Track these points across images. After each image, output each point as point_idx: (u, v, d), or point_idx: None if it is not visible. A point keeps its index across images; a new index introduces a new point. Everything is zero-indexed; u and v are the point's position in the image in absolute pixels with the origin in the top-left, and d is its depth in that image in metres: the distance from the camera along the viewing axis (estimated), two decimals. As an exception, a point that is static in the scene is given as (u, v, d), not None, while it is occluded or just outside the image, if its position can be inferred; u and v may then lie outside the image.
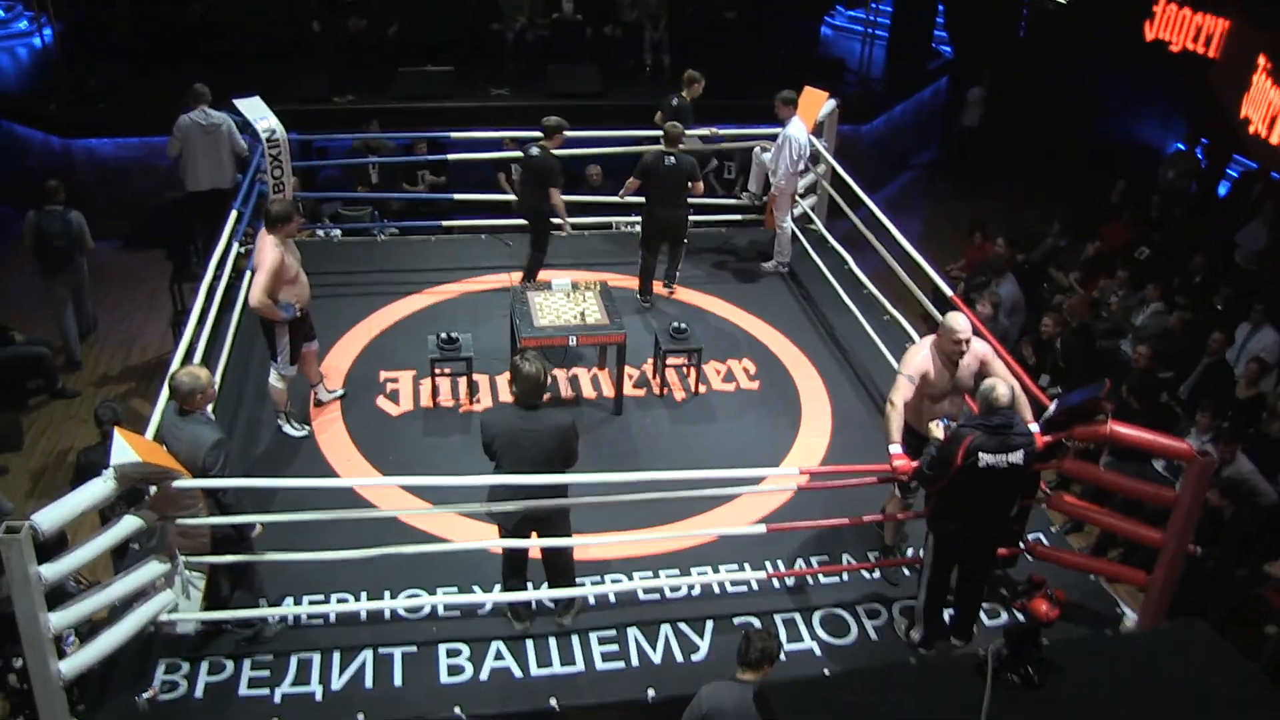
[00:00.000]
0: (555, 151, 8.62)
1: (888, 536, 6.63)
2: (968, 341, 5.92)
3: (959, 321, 5.91)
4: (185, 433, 5.25)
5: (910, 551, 6.60)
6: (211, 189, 10.02)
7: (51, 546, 5.38)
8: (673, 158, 8.68)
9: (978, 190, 15.50)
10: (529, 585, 5.98)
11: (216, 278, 7.97)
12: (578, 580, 6.13)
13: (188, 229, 10.69)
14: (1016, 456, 5.39)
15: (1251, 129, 10.97)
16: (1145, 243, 12.06)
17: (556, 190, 8.55)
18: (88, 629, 5.50)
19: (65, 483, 8.79)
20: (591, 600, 6.15)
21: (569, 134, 8.64)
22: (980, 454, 5.36)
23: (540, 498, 5.64)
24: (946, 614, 6.01)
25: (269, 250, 6.83)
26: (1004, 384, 5.52)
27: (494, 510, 5.75)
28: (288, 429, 7.46)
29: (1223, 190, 13.93)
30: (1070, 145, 15.63)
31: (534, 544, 5.85)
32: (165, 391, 5.57)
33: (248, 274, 8.59)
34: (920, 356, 6.05)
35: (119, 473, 4.86)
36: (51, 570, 4.73)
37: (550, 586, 6.01)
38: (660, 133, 8.99)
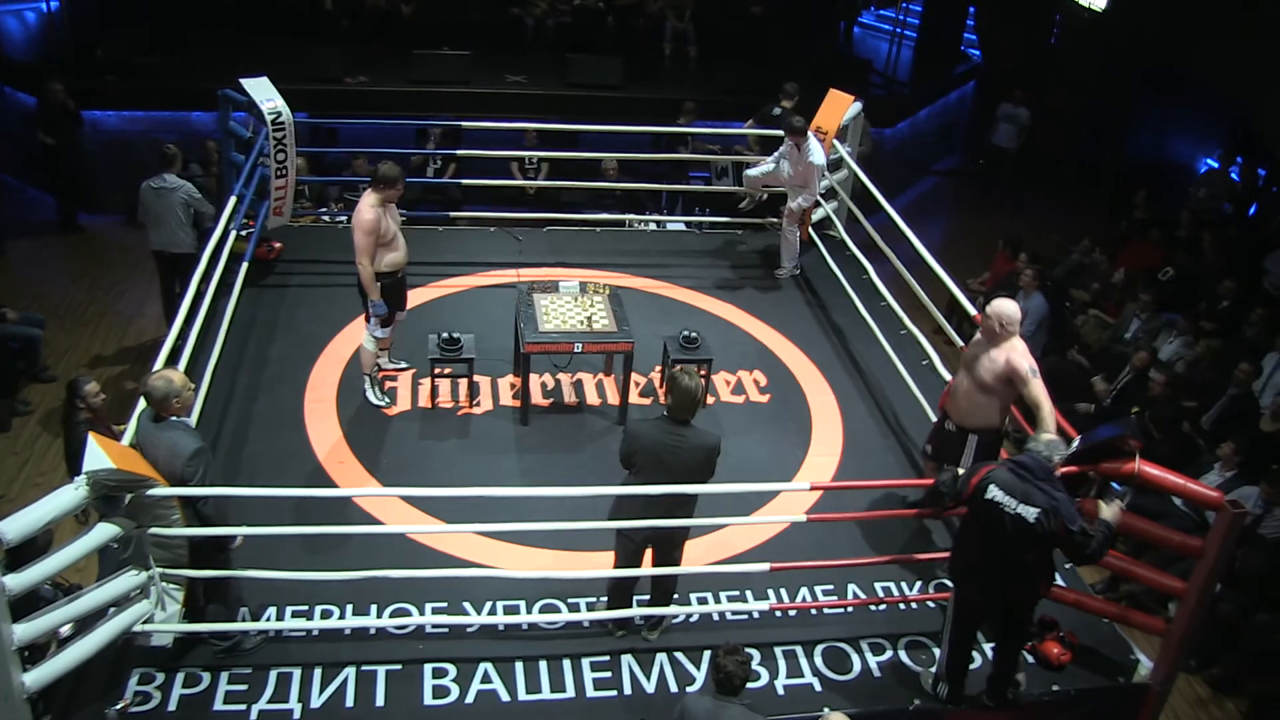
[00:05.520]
0: None
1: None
2: (1004, 325, 6.02)
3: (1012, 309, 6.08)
4: (163, 440, 5.00)
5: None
6: (162, 250, 9.79)
7: (36, 548, 5.19)
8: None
9: (1001, 202, 15.17)
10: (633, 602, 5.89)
11: (211, 265, 7.69)
12: (579, 601, 5.96)
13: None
14: (1029, 512, 5.00)
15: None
16: (1171, 264, 11.73)
17: None
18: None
19: (52, 468, 8.63)
20: (585, 624, 5.91)
21: (589, 128, 8.46)
22: (992, 486, 5.08)
23: (675, 510, 5.46)
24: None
25: (367, 210, 6.83)
26: (1061, 446, 5.26)
27: (626, 528, 5.58)
28: (370, 395, 7.47)
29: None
30: (1099, 160, 15.28)
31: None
32: (142, 399, 5.32)
33: (244, 264, 8.42)
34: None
35: (91, 479, 4.62)
36: (17, 580, 4.50)
37: (651, 602, 5.87)
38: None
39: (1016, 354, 6.09)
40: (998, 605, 5.43)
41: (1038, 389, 6.04)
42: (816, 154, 8.90)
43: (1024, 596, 5.39)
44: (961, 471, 5.59)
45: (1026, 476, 5.06)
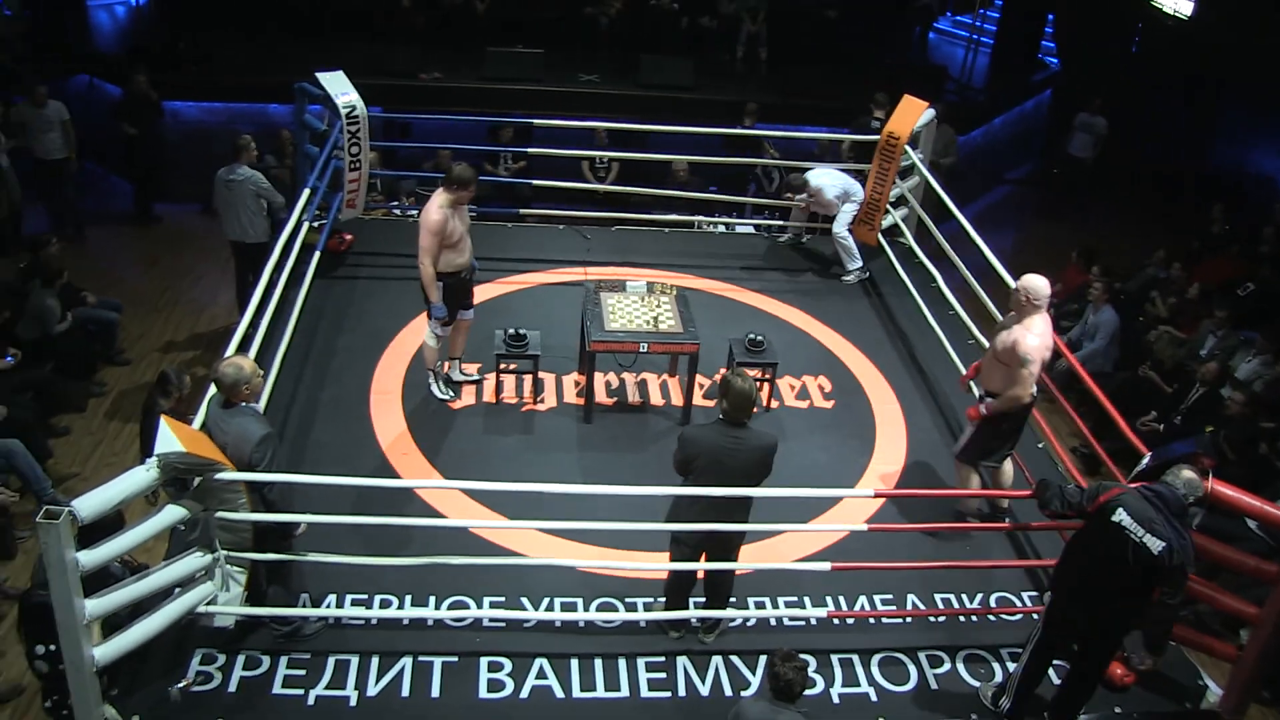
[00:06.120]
0: None
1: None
2: (1029, 299, 6.11)
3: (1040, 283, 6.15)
4: (232, 426, 5.09)
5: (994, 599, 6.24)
6: (237, 240, 10.01)
7: (107, 526, 5.30)
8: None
9: (1075, 212, 14.86)
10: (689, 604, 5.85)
11: (284, 255, 7.80)
12: (636, 601, 5.94)
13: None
14: (1154, 544, 4.84)
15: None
16: (1251, 279, 11.39)
17: None
18: (126, 614, 5.38)
19: (124, 448, 8.83)
20: (642, 624, 5.89)
21: (659, 128, 8.60)
22: (1121, 510, 4.93)
23: (734, 513, 5.46)
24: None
25: (435, 211, 6.85)
26: (1200, 488, 5.07)
27: (682, 530, 5.57)
28: (435, 389, 7.53)
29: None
30: (1178, 171, 14.91)
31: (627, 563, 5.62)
32: (212, 385, 5.40)
33: (317, 253, 8.53)
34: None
35: (162, 462, 4.72)
36: (89, 557, 4.60)
37: (707, 605, 5.83)
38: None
39: (1028, 334, 6.07)
40: (1093, 626, 5.25)
41: (1021, 376, 6.06)
42: (830, 192, 9.36)
43: (1122, 623, 5.25)
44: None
45: (1160, 507, 4.91)
